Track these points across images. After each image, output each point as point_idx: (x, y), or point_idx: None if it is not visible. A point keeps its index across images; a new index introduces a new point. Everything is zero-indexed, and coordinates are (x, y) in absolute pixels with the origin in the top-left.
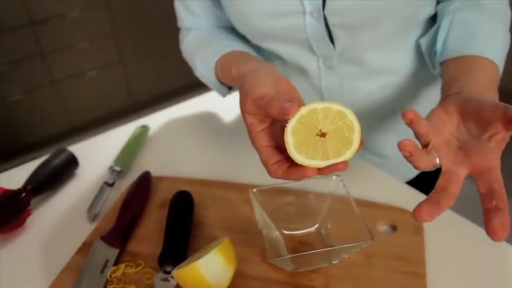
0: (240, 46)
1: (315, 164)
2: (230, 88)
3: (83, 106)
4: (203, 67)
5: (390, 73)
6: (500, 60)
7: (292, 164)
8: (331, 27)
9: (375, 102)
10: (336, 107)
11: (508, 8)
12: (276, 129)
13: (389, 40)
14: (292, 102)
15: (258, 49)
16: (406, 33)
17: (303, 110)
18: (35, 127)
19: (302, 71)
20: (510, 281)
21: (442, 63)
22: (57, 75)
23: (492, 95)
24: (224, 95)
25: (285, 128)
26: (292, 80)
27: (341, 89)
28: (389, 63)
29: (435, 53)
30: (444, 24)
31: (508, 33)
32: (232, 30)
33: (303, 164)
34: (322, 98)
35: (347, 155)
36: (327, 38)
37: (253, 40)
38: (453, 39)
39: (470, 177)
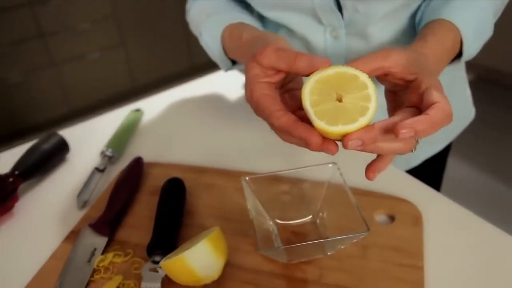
0: (249, 20)
1: (338, 130)
2: (233, 63)
3: (83, 89)
4: (209, 34)
5: (392, 46)
6: (467, 28)
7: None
8: None
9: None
10: (358, 74)
11: None
12: (281, 92)
13: (395, 12)
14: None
15: (263, 21)
16: (410, 5)
17: (318, 74)
18: (35, 110)
19: (308, 43)
20: (510, 273)
21: None
22: (57, 57)
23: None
24: (226, 69)
25: (302, 92)
26: None
27: (345, 62)
28: (393, 36)
29: (418, 23)
30: None
31: (490, 8)
32: (240, 2)
33: (325, 131)
34: None
35: (371, 111)
36: (334, 8)
37: (260, 8)
38: (429, 8)
39: (474, 170)
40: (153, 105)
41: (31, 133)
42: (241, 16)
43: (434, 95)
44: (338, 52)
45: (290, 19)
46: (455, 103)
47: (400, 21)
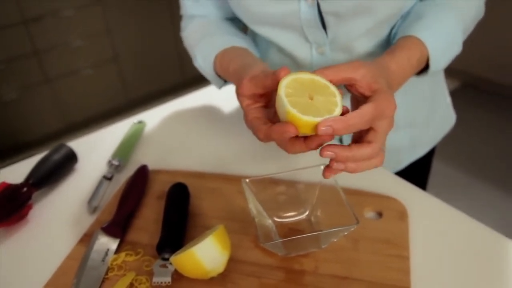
0: (240, 42)
1: (308, 119)
2: (226, 81)
3: (78, 104)
4: (202, 59)
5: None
6: (434, 44)
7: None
8: (323, 14)
9: None
10: (329, 85)
11: (475, 8)
12: (271, 111)
13: (378, 28)
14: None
15: (254, 36)
16: (392, 23)
17: (295, 75)
18: (30, 126)
19: (296, 59)
20: (489, 263)
21: None
22: (51, 73)
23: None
24: (220, 87)
25: (278, 85)
26: None
27: None
28: (374, 49)
29: (393, 38)
30: (405, 14)
31: (459, 27)
32: (234, 22)
33: (296, 118)
34: None
35: (336, 112)
36: (319, 25)
37: (250, 25)
38: (403, 24)
39: (459, 172)
40: (155, 117)
41: (26, 149)
42: (232, 40)
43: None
44: (324, 66)
45: (279, 36)
46: (437, 110)
47: (381, 36)
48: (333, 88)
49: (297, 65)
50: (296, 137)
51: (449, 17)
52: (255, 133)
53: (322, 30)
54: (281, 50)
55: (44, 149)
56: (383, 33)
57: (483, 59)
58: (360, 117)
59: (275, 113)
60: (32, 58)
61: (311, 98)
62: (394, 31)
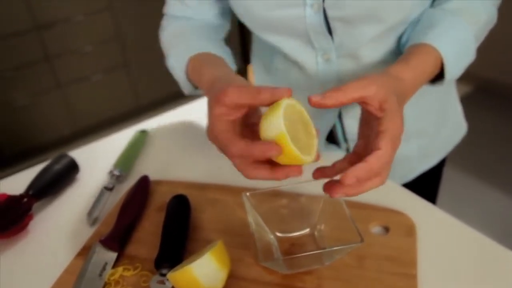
0: (217, 51)
1: (296, 153)
2: (196, 88)
3: (88, 110)
4: (175, 59)
5: (383, 67)
6: (448, 53)
7: (271, 163)
8: (330, 20)
9: None
10: (306, 115)
11: (487, 15)
12: (237, 129)
13: (385, 35)
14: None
15: (259, 42)
16: (401, 30)
17: (294, 101)
18: (41, 131)
19: (301, 66)
20: (502, 282)
21: None
22: (62, 79)
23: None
24: (188, 92)
25: (276, 104)
26: (291, 76)
27: (338, 83)
28: (382, 56)
29: (403, 45)
30: (415, 21)
31: (472, 34)
32: (217, 29)
33: (286, 144)
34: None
35: (310, 159)
36: (325, 31)
37: (254, 30)
38: (415, 31)
39: (471, 179)
40: (158, 126)
41: (37, 153)
42: (210, 46)
43: (382, 142)
44: (330, 73)
45: (284, 43)
46: (447, 119)
47: (388, 43)
48: (313, 128)
49: (303, 72)
50: (261, 162)
51: (463, 24)
52: (224, 146)
53: (328, 36)
54: (286, 56)
55: (54, 155)
56: (390, 40)
57: (496, 63)
58: (378, 160)
59: (251, 131)
60: (44, 64)
61: (297, 132)
62: (404, 38)
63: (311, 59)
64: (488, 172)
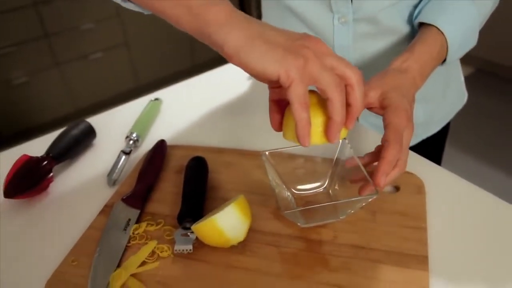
0: None
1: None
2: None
3: (88, 89)
4: None
5: (397, 33)
6: (454, 38)
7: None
8: None
9: (382, 61)
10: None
11: (493, 2)
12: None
13: (403, 2)
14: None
15: (268, 3)
16: None
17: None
18: (39, 110)
19: (317, 28)
20: (505, 232)
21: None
22: (61, 57)
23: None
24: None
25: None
26: None
27: (353, 48)
28: (399, 25)
29: (415, 17)
30: None
31: (478, 19)
32: None
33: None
34: None
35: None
36: None
37: None
38: (427, 7)
39: (471, 158)
40: (171, 95)
41: (35, 133)
42: None
43: (389, 134)
44: (345, 35)
45: (302, 5)
46: (451, 85)
47: (407, 9)
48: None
49: (318, 35)
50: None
51: (473, 11)
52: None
53: (348, 0)
54: (302, 19)
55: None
56: (407, 7)
57: (497, 45)
58: (389, 151)
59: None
60: (42, 41)
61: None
62: (417, 10)
63: (328, 23)
64: (488, 150)
